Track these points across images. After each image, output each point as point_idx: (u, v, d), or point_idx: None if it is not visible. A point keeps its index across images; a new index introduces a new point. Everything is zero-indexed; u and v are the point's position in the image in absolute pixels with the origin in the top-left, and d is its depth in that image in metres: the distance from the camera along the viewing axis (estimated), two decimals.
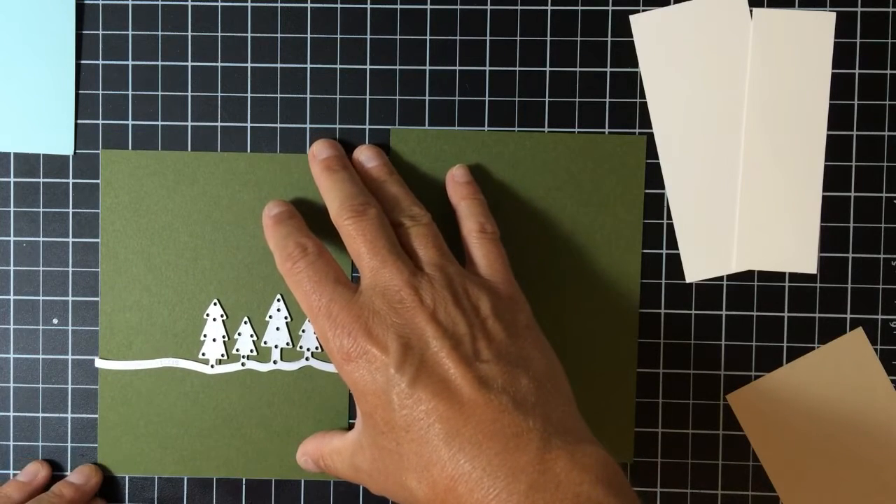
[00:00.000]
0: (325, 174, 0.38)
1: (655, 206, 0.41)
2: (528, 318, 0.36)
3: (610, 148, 0.40)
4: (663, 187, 0.41)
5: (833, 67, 0.40)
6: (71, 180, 0.41)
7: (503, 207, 0.40)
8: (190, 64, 0.41)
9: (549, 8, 0.40)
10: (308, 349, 0.41)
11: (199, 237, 0.41)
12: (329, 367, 0.41)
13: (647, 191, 0.41)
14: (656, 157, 0.41)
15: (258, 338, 0.41)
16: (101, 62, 0.41)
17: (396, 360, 0.33)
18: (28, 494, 0.39)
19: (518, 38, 0.41)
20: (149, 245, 0.41)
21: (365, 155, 0.39)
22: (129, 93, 0.41)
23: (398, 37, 0.41)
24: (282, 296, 0.41)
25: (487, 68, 0.41)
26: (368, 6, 0.40)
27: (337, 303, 0.34)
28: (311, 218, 0.40)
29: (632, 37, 0.40)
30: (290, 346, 0.41)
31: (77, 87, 0.41)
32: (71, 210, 0.41)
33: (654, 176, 0.41)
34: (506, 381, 0.33)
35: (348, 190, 0.37)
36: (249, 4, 0.41)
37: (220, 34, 0.41)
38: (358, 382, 0.34)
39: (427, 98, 0.41)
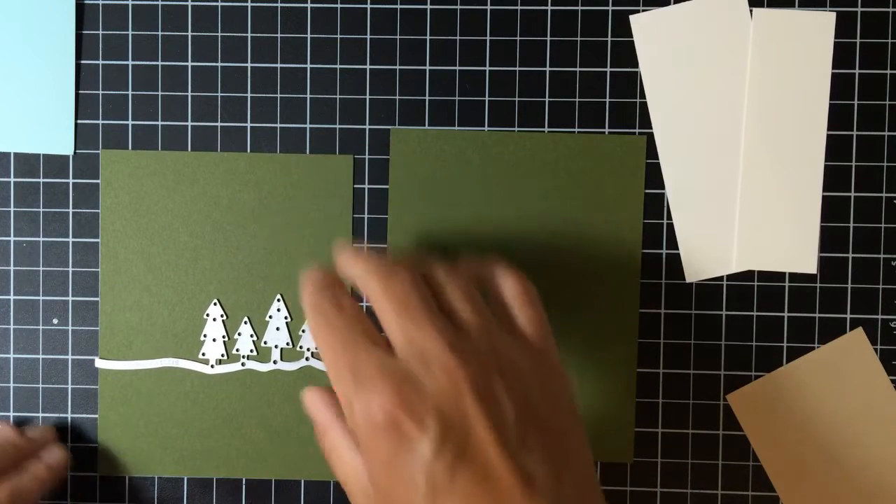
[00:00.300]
0: (349, 255, 0.34)
1: (655, 206, 0.41)
2: (570, 398, 0.32)
3: (610, 148, 0.40)
4: (663, 187, 0.41)
5: (833, 67, 0.40)
6: (71, 180, 0.41)
7: (503, 207, 0.40)
8: (190, 64, 0.41)
9: (549, 8, 0.40)
10: (308, 349, 0.41)
11: (199, 237, 0.41)
12: None
13: (647, 191, 0.41)
14: (656, 157, 0.41)
15: (258, 338, 0.41)
16: (101, 62, 0.41)
17: (435, 439, 0.28)
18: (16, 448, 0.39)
19: (518, 38, 0.41)
20: (149, 245, 0.41)
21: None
22: (129, 93, 0.41)
23: (398, 37, 0.41)
24: (282, 296, 0.41)
25: (487, 68, 0.41)
26: (368, 6, 0.40)
27: (367, 362, 0.30)
28: (312, 219, 0.40)
29: (632, 37, 0.40)
30: (290, 346, 0.41)
31: (77, 87, 0.41)
32: (71, 210, 0.41)
33: (654, 176, 0.41)
34: (550, 478, 0.29)
35: (374, 258, 0.33)
36: (249, 4, 0.41)
37: (220, 34, 0.41)
38: (380, 454, 0.29)
39: (427, 98, 0.41)
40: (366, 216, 0.41)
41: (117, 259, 0.41)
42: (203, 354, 0.41)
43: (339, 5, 0.40)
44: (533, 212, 0.40)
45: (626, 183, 0.40)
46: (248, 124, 0.41)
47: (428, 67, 0.41)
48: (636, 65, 0.40)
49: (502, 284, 0.34)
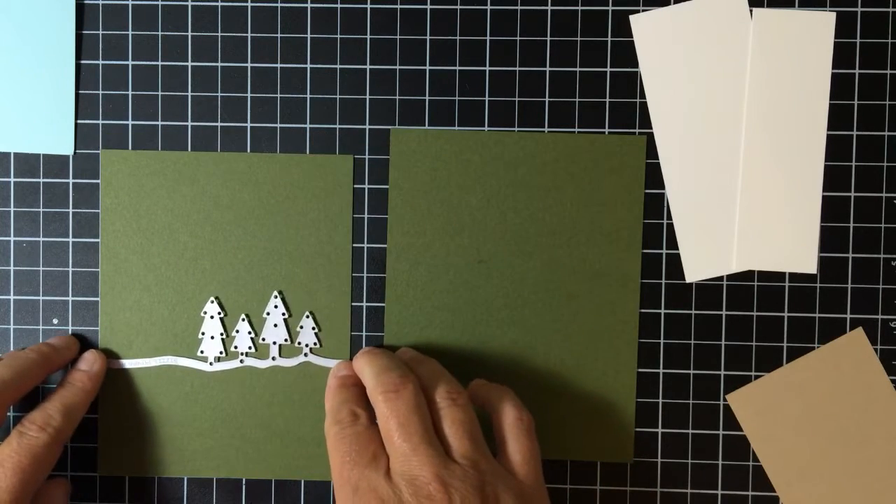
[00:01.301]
0: (364, 356, 0.38)
1: (655, 206, 0.41)
2: None
3: (610, 148, 0.40)
4: (663, 187, 0.41)
5: (833, 67, 0.40)
6: (71, 180, 0.41)
7: (503, 207, 0.40)
8: (190, 64, 0.41)
9: (549, 8, 0.40)
10: (307, 345, 0.41)
11: (199, 237, 0.41)
12: (328, 363, 0.41)
13: (647, 191, 0.41)
14: (656, 157, 0.41)
15: (256, 335, 0.41)
16: (101, 62, 0.41)
17: None
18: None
19: (518, 38, 0.41)
20: (149, 245, 0.41)
21: (400, 351, 0.40)
22: (129, 93, 0.41)
23: (398, 37, 0.41)
24: (279, 293, 0.41)
25: (487, 68, 0.41)
26: (368, 6, 0.41)
27: (366, 480, 0.33)
28: (312, 219, 0.40)
29: (632, 37, 0.40)
30: (289, 342, 0.41)
31: (77, 87, 0.41)
32: (71, 210, 0.41)
33: (654, 176, 0.41)
34: None
35: (384, 363, 0.36)
36: (249, 4, 0.41)
37: (220, 34, 0.41)
38: None
39: (427, 98, 0.41)
40: (366, 216, 0.41)
41: (117, 259, 0.41)
42: (202, 352, 0.41)
43: (339, 5, 0.41)
44: (533, 212, 0.40)
45: (626, 183, 0.40)
46: (248, 124, 0.41)
47: (428, 67, 0.41)
48: (636, 65, 0.40)
49: (503, 413, 0.37)
